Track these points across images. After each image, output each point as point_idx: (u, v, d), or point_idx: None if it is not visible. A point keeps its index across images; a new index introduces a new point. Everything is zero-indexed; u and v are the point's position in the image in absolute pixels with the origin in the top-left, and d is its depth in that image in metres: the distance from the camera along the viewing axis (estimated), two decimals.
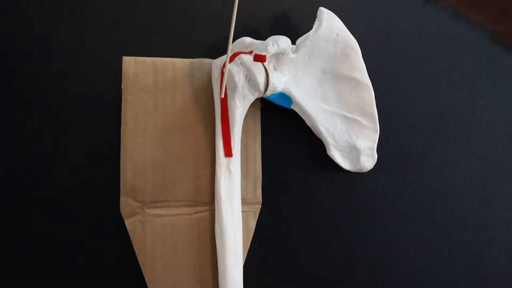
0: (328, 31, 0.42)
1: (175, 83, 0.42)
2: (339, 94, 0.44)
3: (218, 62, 0.40)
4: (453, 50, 0.47)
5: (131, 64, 0.41)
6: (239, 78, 0.39)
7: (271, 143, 0.44)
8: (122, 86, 0.41)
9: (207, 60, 0.43)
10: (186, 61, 0.42)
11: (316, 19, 0.42)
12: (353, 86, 0.44)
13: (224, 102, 0.40)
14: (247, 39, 0.43)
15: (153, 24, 0.44)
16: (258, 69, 0.39)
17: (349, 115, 0.44)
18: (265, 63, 0.40)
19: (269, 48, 0.39)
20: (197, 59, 0.43)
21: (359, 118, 0.44)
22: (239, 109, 0.40)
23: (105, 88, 0.42)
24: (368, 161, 0.44)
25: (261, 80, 0.40)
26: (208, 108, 0.42)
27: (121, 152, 0.40)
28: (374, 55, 0.46)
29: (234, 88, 0.39)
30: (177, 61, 0.42)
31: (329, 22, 0.42)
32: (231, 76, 0.39)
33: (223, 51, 0.44)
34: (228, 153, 0.40)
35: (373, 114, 0.44)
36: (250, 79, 0.39)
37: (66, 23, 0.43)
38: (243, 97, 0.40)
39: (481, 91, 0.47)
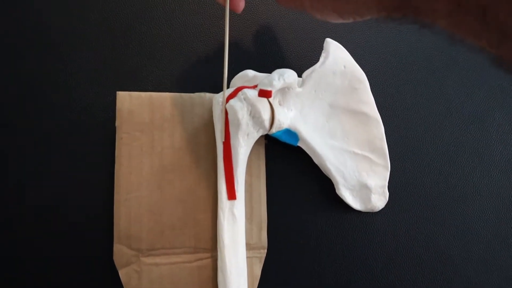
0: (335, 63, 0.40)
1: (173, 120, 0.39)
2: (348, 129, 0.42)
3: (219, 97, 0.38)
4: (464, 82, 0.45)
5: (125, 99, 0.38)
6: (243, 115, 0.36)
7: (276, 183, 0.41)
8: (116, 124, 0.38)
9: (208, 95, 0.40)
10: (185, 95, 0.39)
11: (323, 50, 0.40)
12: (362, 120, 0.42)
13: (226, 140, 0.37)
14: (250, 72, 0.40)
15: (150, 57, 0.41)
16: (263, 105, 0.37)
17: (358, 151, 0.41)
18: (270, 99, 0.37)
19: (274, 83, 0.36)
20: (197, 94, 0.40)
21: (369, 155, 0.42)
22: (243, 148, 0.37)
23: (98, 126, 0.39)
24: (379, 200, 0.42)
25: (266, 116, 0.37)
26: (209, 147, 0.39)
27: (115, 196, 0.37)
28: (382, 88, 0.44)
29: (238, 125, 0.36)
30: (175, 96, 0.39)
31: (336, 54, 0.40)
32: (234, 112, 0.36)
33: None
34: (232, 196, 0.37)
35: (384, 150, 0.42)
36: (255, 115, 0.37)
37: (59, 56, 0.40)
38: (247, 135, 0.37)
39: (494, 123, 0.45)
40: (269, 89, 0.36)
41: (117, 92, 0.38)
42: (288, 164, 0.41)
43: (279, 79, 0.37)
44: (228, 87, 0.40)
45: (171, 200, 0.38)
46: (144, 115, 0.38)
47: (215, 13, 0.43)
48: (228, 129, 0.37)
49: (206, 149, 0.39)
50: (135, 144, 0.38)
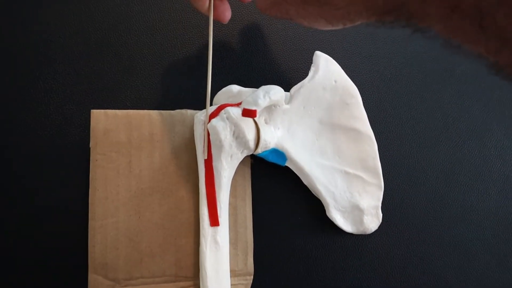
0: (325, 78, 0.38)
1: (152, 140, 0.36)
2: (339, 147, 0.39)
3: (201, 115, 0.35)
4: (461, 94, 0.43)
5: (100, 118, 0.36)
6: (225, 136, 0.34)
7: (263, 205, 0.38)
8: (91, 145, 0.35)
9: (190, 112, 0.38)
10: (165, 113, 0.37)
11: (312, 64, 0.38)
12: (353, 137, 0.39)
13: (208, 162, 0.35)
14: (235, 88, 0.38)
15: (128, 71, 0.38)
16: (247, 125, 0.34)
17: (350, 170, 0.39)
18: (256, 117, 0.35)
19: (260, 101, 0.34)
20: (177, 111, 0.37)
21: (361, 174, 0.39)
22: (226, 171, 0.35)
23: (72, 146, 0.36)
24: (372, 221, 0.39)
25: (250, 136, 0.35)
26: (190, 168, 0.37)
27: (89, 222, 0.34)
28: (375, 102, 0.42)
29: (220, 147, 0.34)
30: (155, 113, 0.37)
31: (326, 68, 0.38)
32: (216, 133, 0.34)
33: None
34: (214, 222, 0.34)
35: (377, 169, 0.40)
36: (239, 136, 0.34)
37: (30, 71, 0.37)
38: (230, 157, 0.35)
39: (492, 138, 0.43)
40: (253, 108, 0.34)
41: (92, 110, 0.36)
42: (276, 185, 0.39)
43: (264, 97, 0.34)
44: (211, 103, 0.38)
45: (150, 226, 0.35)
46: (120, 134, 0.36)
47: (198, 24, 0.40)
48: (210, 151, 0.35)
49: (187, 171, 0.37)
50: (111, 166, 0.35)
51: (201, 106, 0.38)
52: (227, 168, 0.35)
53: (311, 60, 0.38)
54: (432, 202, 0.41)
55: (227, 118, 0.34)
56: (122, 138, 0.36)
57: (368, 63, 0.42)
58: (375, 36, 0.43)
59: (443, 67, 0.43)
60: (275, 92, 0.35)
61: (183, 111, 0.37)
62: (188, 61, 0.39)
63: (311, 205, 0.39)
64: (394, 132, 0.42)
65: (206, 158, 0.35)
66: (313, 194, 0.39)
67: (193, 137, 0.37)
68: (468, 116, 0.43)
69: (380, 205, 0.40)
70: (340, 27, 0.28)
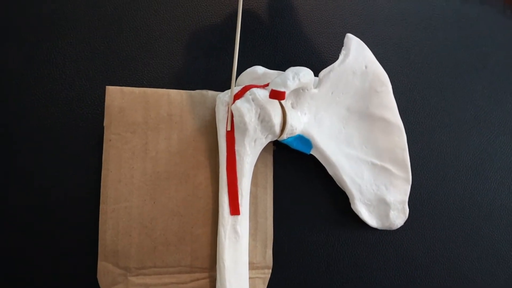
0: (356, 62, 0.35)
1: (171, 121, 0.34)
2: (366, 137, 0.37)
3: (224, 96, 0.33)
4: (494, 87, 0.41)
5: (116, 95, 0.33)
6: (251, 118, 0.31)
7: (284, 195, 0.36)
8: (104, 124, 0.33)
9: (211, 93, 0.35)
10: (185, 93, 0.35)
11: (343, 47, 0.35)
12: (382, 127, 0.37)
13: (231, 147, 0.32)
14: (260, 69, 0.36)
15: (146, 48, 0.36)
16: (274, 108, 0.32)
17: (377, 162, 0.37)
18: (283, 101, 0.32)
19: (289, 82, 0.31)
20: (198, 91, 0.35)
21: (389, 166, 0.37)
22: (249, 157, 0.33)
23: (84, 124, 0.34)
24: (398, 217, 0.37)
25: (277, 121, 0.32)
26: (210, 153, 0.34)
27: (101, 206, 0.32)
28: (404, 90, 0.40)
29: (244, 130, 0.32)
30: (174, 92, 0.34)
31: (357, 52, 0.35)
32: (241, 115, 0.31)
33: (230, 82, 0.36)
34: (235, 210, 0.32)
35: (405, 161, 0.37)
36: (264, 119, 0.32)
37: (42, 45, 0.35)
38: (254, 141, 0.33)
39: None
40: (282, 90, 0.31)
41: (107, 86, 0.33)
42: (299, 174, 0.37)
43: (293, 78, 0.32)
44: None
45: (165, 212, 0.33)
46: (137, 114, 0.33)
47: (222, 0, 0.38)
48: (233, 134, 0.32)
49: (207, 155, 0.34)
50: (125, 147, 0.33)
51: (222, 87, 0.36)
52: (250, 154, 0.33)
53: (339, 44, 0.36)
54: (460, 199, 0.39)
55: (253, 100, 0.32)
56: (139, 117, 0.33)
57: (398, 50, 0.40)
58: (406, 22, 0.41)
59: (476, 57, 0.41)
60: (304, 74, 0.32)
61: (204, 91, 0.35)
62: (210, 39, 0.37)
63: (335, 196, 0.37)
64: (423, 123, 0.39)
65: (228, 141, 0.32)
66: (337, 185, 0.37)
67: (214, 119, 0.35)
68: (500, 110, 0.41)
69: (407, 199, 0.37)
70: None
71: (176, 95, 0.34)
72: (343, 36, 0.35)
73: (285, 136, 0.33)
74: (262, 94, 0.32)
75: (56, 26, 0.35)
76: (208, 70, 0.36)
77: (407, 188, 0.37)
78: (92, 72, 0.35)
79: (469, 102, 0.40)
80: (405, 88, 0.40)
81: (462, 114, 0.40)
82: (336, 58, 0.35)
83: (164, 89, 0.34)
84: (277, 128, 0.33)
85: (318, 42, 0.39)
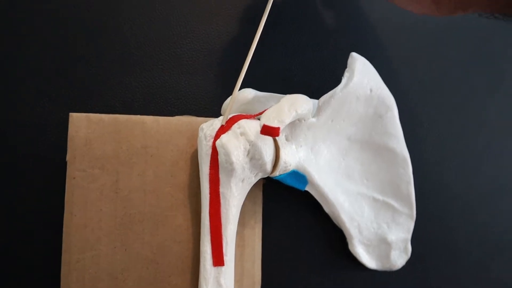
0: (360, 86, 0.31)
1: (146, 154, 0.29)
2: (368, 169, 0.33)
3: (208, 129, 0.28)
4: (509, 110, 0.37)
5: (81, 124, 0.28)
6: (238, 157, 0.27)
7: (274, 235, 0.32)
8: (68, 158, 0.28)
9: (193, 120, 0.31)
10: (162, 120, 0.30)
11: (346, 69, 0.31)
12: (386, 158, 0.33)
13: (214, 188, 0.28)
14: (249, 92, 0.31)
15: (119, 63, 0.31)
16: (265, 143, 0.28)
17: (379, 197, 0.33)
18: None
19: (284, 117, 0.27)
20: (177, 117, 0.30)
21: (392, 202, 0.33)
22: (236, 199, 0.28)
23: (41, 159, 0.29)
24: (400, 257, 0.34)
25: (268, 158, 0.28)
26: (191, 191, 0.30)
27: (63, 256, 0.28)
28: (410, 114, 0.35)
29: (231, 171, 0.27)
30: (149, 120, 0.30)
31: (362, 74, 0.31)
32: (227, 153, 0.27)
33: (217, 108, 0.32)
34: (219, 261, 0.28)
35: (410, 196, 0.33)
36: (254, 157, 0.28)
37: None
38: (242, 181, 0.28)
39: None
40: (276, 125, 0.27)
41: (71, 113, 0.28)
42: (291, 210, 0.33)
43: (289, 111, 0.27)
44: (219, 114, 0.31)
45: (139, 260, 0.29)
46: (106, 146, 0.29)
47: (209, 9, 0.33)
48: (218, 174, 0.28)
49: (187, 193, 0.30)
50: (92, 186, 0.28)
51: (208, 112, 0.31)
52: (237, 196, 0.28)
53: (341, 60, 0.31)
54: (469, 235, 0.35)
55: (241, 134, 0.27)
56: (108, 150, 0.29)
57: (406, 67, 0.36)
58: (416, 37, 0.36)
59: (489, 77, 0.37)
60: (302, 104, 0.28)
61: (184, 118, 0.30)
62: (194, 56, 0.32)
63: (331, 235, 0.33)
64: (431, 152, 0.35)
65: (211, 182, 0.28)
66: (333, 222, 0.33)
67: (196, 151, 0.30)
68: None
69: (410, 237, 0.34)
70: (445, 13, 0.23)
71: (152, 122, 0.30)
72: (347, 53, 0.31)
73: (277, 173, 0.29)
74: (252, 127, 0.28)
75: (12, 33, 0.30)
76: (191, 91, 0.32)
77: (410, 226, 0.34)
78: (54, 93, 0.30)
79: (481, 127, 0.36)
80: (411, 111, 0.35)
81: (473, 140, 0.36)
82: (338, 79, 0.30)
83: (138, 116, 0.30)
84: (269, 166, 0.28)
85: (316, 59, 0.34)
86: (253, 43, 0.28)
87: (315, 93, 0.31)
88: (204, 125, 0.29)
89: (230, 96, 0.31)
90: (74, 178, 0.28)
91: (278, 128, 0.27)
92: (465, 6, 0.22)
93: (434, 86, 0.36)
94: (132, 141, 0.29)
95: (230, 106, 0.28)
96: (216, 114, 0.32)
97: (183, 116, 0.31)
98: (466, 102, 0.36)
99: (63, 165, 0.28)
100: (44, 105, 0.29)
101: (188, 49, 0.32)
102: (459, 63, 0.36)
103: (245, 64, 0.28)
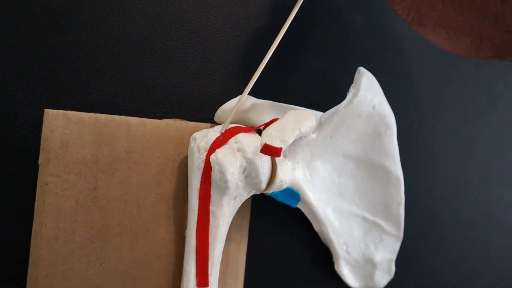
0: (364, 102, 0.29)
1: (129, 160, 0.26)
2: (361, 188, 0.32)
3: (201, 140, 0.26)
4: (500, 134, 0.37)
5: (57, 123, 0.25)
6: (233, 175, 0.25)
7: (260, 251, 0.31)
8: (40, 161, 0.25)
9: (185, 124, 0.28)
10: (150, 122, 0.27)
11: (352, 85, 0.29)
12: (380, 177, 0.32)
13: (204, 205, 0.26)
14: (248, 99, 0.28)
15: (103, 55, 0.27)
16: (263, 161, 0.26)
17: (370, 217, 0.32)
18: None
19: (287, 136, 0.25)
20: (166, 121, 0.28)
21: (381, 222, 0.32)
22: (226, 218, 0.26)
23: (9, 162, 0.26)
24: (383, 277, 0.33)
25: (265, 177, 0.26)
26: (176, 202, 0.28)
27: (29, 270, 0.25)
28: (406, 134, 0.34)
29: (225, 189, 0.25)
30: (135, 122, 0.27)
31: (367, 90, 0.29)
32: (222, 171, 0.25)
33: (210, 111, 0.29)
34: (203, 282, 0.26)
35: (399, 217, 0.33)
36: (250, 175, 0.26)
37: None
38: (234, 199, 0.26)
39: None
40: (278, 146, 0.24)
41: (46, 110, 0.25)
42: (279, 226, 0.31)
43: (293, 129, 0.25)
44: (213, 122, 0.28)
45: (115, 276, 0.26)
46: (85, 149, 0.26)
47: (207, 1, 0.29)
48: (209, 191, 0.26)
49: (171, 205, 0.28)
50: (67, 193, 0.25)
51: (200, 116, 0.29)
52: (227, 214, 0.26)
53: (343, 72, 0.29)
54: (454, 259, 0.35)
55: (239, 150, 0.25)
56: (87, 154, 0.26)
57: (406, 82, 0.34)
58: (420, 52, 0.34)
59: (486, 98, 0.36)
60: (306, 123, 0.26)
61: (174, 121, 0.28)
62: (188, 52, 0.29)
63: (317, 254, 0.32)
64: (425, 173, 0.35)
65: (201, 199, 0.26)
66: (321, 240, 0.32)
67: (185, 160, 0.28)
68: (503, 163, 0.37)
69: (395, 258, 0.33)
70: (483, 57, 0.21)
71: (139, 125, 0.27)
72: (348, 66, 0.29)
73: (271, 190, 0.27)
74: (251, 143, 0.25)
75: None
76: (182, 90, 0.29)
77: (396, 246, 0.33)
78: (26, 87, 0.26)
79: (477, 147, 0.36)
80: (407, 130, 0.34)
81: (467, 162, 0.36)
82: (342, 92, 0.29)
83: (123, 117, 0.27)
84: (264, 185, 0.27)
85: (320, 72, 0.32)
86: (272, 45, 0.25)
87: (312, 103, 0.29)
88: (197, 135, 0.26)
89: (228, 102, 0.28)
90: (46, 184, 0.25)
91: (280, 149, 0.24)
92: (504, 55, 0.20)
93: (432, 105, 0.35)
94: (114, 145, 0.26)
95: (232, 116, 0.26)
96: (209, 118, 0.29)
97: (173, 119, 0.28)
98: (462, 121, 0.36)
99: (35, 169, 0.25)
100: (16, 99, 0.26)
101: (182, 44, 0.29)
102: (459, 82, 0.35)
103: (258, 69, 0.25)
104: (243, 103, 0.28)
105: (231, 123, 0.27)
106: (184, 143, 0.28)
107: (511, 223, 0.37)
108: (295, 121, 0.25)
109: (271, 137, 0.25)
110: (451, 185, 0.35)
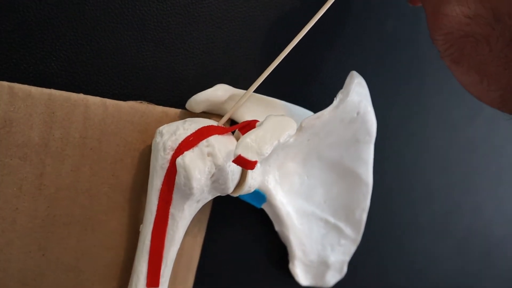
0: (350, 108, 0.27)
1: (84, 146, 0.23)
2: (329, 191, 0.31)
3: (168, 137, 0.23)
4: (479, 144, 0.36)
5: (1, 98, 0.21)
6: (200, 181, 0.23)
7: (216, 245, 0.30)
8: None
9: (151, 109, 0.25)
10: (112, 104, 0.24)
11: (341, 90, 0.26)
12: (350, 183, 0.31)
13: (164, 207, 0.24)
14: (224, 89, 0.26)
15: (65, 7, 0.23)
16: (233, 168, 0.24)
17: (332, 220, 0.32)
18: None
19: (264, 149, 0.22)
20: (131, 103, 0.24)
21: (341, 225, 0.32)
22: (185, 220, 0.25)
23: None
24: (334, 276, 0.34)
25: (232, 184, 0.24)
26: (133, 193, 0.25)
27: None
28: (379, 143, 0.33)
29: (188, 195, 0.23)
30: (95, 102, 0.23)
31: (356, 95, 0.27)
32: (188, 177, 0.22)
33: (183, 96, 0.26)
34: (153, 282, 0.25)
35: (361, 223, 0.32)
36: (218, 181, 0.24)
37: None
38: (197, 202, 0.24)
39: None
40: (254, 159, 0.22)
41: None
42: (238, 222, 0.30)
43: (271, 140, 0.23)
44: (183, 109, 0.25)
45: (58, 267, 0.24)
46: (32, 130, 0.22)
47: None
48: (171, 194, 0.23)
49: (127, 196, 0.25)
50: (8, 179, 0.22)
51: (171, 100, 0.26)
52: (187, 217, 0.24)
53: (327, 73, 0.27)
54: (403, 263, 0.36)
55: (209, 155, 0.23)
56: (34, 136, 0.22)
57: (390, 86, 0.32)
58: (421, 63, 0.32)
59: (467, 114, 0.35)
60: (286, 132, 0.24)
61: (139, 104, 0.25)
62: (163, 21, 0.25)
63: (273, 252, 0.31)
64: (394, 183, 0.34)
65: (161, 200, 0.24)
66: (280, 240, 0.31)
67: (148, 150, 0.25)
68: (485, 169, 0.37)
69: (348, 260, 0.33)
70: (507, 111, 0.20)
71: (98, 106, 0.23)
72: (330, 66, 0.26)
73: (237, 194, 0.26)
74: (223, 148, 0.23)
75: None
76: (152, 66, 0.25)
77: (352, 249, 0.33)
78: None
79: (442, 160, 0.35)
80: (381, 139, 0.33)
81: (432, 173, 0.35)
82: (329, 94, 0.26)
83: (81, 95, 0.23)
84: (231, 190, 0.25)
85: (310, 67, 0.29)
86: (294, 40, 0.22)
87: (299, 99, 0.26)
88: (164, 130, 0.23)
89: (204, 92, 0.25)
90: None
91: (255, 162, 0.22)
92: None
93: (406, 116, 0.33)
94: (68, 128, 0.23)
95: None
96: (180, 103, 0.26)
97: (139, 102, 0.25)
98: (436, 135, 0.35)
99: None
100: None
101: (158, 10, 0.25)
102: (439, 101, 0.34)
103: (267, 70, 0.23)
104: (217, 93, 0.25)
105: (204, 113, 0.25)
106: (148, 130, 0.25)
107: (461, 231, 0.38)
108: (274, 130, 0.23)
109: (247, 148, 0.22)
110: (418, 192, 0.35)
